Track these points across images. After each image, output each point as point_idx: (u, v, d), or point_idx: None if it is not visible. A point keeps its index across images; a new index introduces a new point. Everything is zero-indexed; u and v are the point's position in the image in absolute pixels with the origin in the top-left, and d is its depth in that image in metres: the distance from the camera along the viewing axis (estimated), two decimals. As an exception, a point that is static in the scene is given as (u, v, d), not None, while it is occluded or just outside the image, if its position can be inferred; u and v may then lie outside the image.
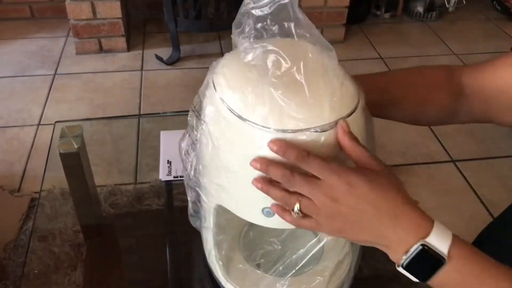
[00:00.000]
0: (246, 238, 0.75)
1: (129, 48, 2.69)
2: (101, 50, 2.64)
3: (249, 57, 0.54)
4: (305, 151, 0.49)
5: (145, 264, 0.84)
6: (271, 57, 0.53)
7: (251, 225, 0.75)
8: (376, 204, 0.49)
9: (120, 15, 2.54)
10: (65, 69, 2.53)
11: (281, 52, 0.53)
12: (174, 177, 0.96)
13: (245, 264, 0.71)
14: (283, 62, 0.53)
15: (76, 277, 0.77)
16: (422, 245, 0.48)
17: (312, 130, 0.50)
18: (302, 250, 0.67)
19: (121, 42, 2.64)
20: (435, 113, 0.72)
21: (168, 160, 0.99)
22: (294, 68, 0.53)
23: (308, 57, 0.54)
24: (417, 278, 0.51)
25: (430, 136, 2.12)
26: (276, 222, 0.57)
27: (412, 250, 0.49)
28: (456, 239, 0.50)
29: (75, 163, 0.99)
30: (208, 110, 0.57)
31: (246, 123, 0.52)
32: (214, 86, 0.56)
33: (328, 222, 0.51)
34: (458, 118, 0.73)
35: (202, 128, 0.59)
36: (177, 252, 0.86)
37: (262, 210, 0.56)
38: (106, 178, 1.01)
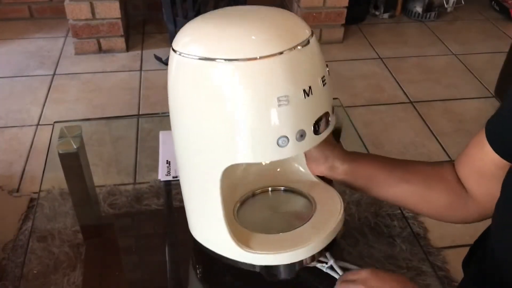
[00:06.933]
0: (239, 213, 0.73)
1: (128, 48, 2.69)
2: (100, 50, 2.64)
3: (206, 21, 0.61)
4: None
5: (145, 264, 0.84)
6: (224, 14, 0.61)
7: (242, 203, 0.75)
8: None
9: (119, 15, 2.54)
10: (64, 69, 2.53)
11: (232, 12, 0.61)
12: (173, 177, 0.96)
13: (242, 228, 0.70)
14: (234, 14, 0.61)
15: (75, 277, 0.77)
16: None
17: (261, 57, 0.53)
18: (294, 211, 0.70)
19: (120, 42, 2.64)
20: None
21: (167, 160, 0.99)
22: (245, 14, 0.60)
23: (261, 10, 0.61)
24: None
25: (429, 136, 2.13)
26: (291, 149, 0.57)
27: None
28: None
29: (74, 163, 0.99)
30: (173, 79, 0.62)
31: (207, 62, 0.55)
32: (173, 49, 0.60)
33: None
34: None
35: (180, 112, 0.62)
36: (176, 252, 0.86)
37: (277, 141, 0.56)
38: (105, 178, 1.01)
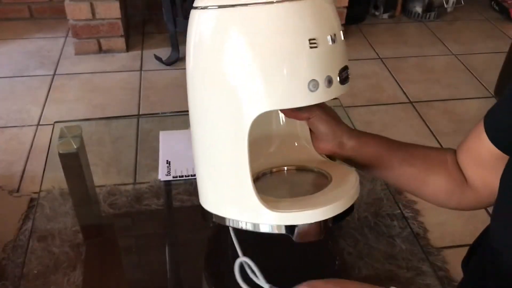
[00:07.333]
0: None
1: (128, 49, 2.69)
2: (100, 50, 2.65)
3: None
4: None
5: (144, 264, 0.84)
6: None
7: (257, 180, 0.73)
8: None
9: (119, 15, 2.54)
10: (64, 69, 2.53)
11: None
12: (173, 177, 0.96)
13: (264, 196, 0.69)
14: None
15: (75, 277, 0.77)
16: None
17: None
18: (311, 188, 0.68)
19: (120, 42, 2.64)
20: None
21: (167, 160, 0.99)
22: None
23: None
24: None
25: (429, 136, 2.13)
26: (321, 95, 0.58)
27: None
28: None
29: (74, 163, 1.00)
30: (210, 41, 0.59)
31: (237, 8, 0.56)
32: (194, 7, 0.59)
33: None
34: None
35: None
36: (176, 252, 0.86)
37: (308, 84, 0.57)
38: (105, 178, 1.01)
